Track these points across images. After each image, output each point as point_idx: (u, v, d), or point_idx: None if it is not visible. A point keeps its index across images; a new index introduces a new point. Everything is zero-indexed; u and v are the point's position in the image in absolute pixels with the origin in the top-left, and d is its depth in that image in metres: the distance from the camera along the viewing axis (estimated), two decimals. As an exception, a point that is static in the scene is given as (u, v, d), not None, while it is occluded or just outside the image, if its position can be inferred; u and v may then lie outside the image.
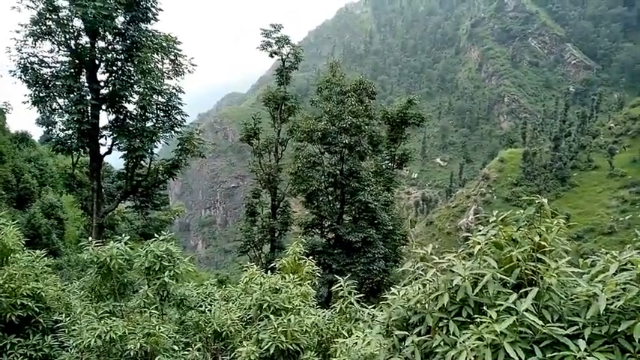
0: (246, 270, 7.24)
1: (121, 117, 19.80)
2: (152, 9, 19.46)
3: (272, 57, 31.40)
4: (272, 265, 7.26)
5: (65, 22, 18.61)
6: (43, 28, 18.68)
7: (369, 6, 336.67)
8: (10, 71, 19.11)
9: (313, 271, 6.93)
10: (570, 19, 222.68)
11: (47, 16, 18.47)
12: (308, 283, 6.50)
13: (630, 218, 76.07)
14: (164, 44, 19.32)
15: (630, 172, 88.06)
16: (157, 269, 6.23)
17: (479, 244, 3.36)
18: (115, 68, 19.71)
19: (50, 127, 20.82)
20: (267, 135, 31.17)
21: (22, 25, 18.46)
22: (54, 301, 6.50)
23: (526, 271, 3.17)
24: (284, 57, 30.69)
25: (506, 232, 3.44)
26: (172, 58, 19.73)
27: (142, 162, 20.88)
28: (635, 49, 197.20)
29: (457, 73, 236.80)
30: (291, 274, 6.61)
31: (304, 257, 6.87)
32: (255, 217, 29.98)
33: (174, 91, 19.93)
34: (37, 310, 6.15)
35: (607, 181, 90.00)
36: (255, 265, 7.65)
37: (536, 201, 3.41)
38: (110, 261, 6.21)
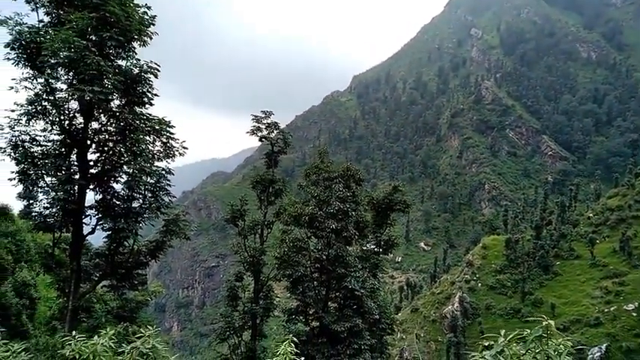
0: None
1: (108, 197, 19.65)
2: (148, 94, 20.01)
3: (261, 141, 32.18)
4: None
5: (61, 103, 19.00)
6: (39, 108, 18.98)
7: (354, 94, 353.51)
8: (0, 148, 19.15)
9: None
10: (545, 113, 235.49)
11: (44, 97, 18.88)
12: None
13: (615, 310, 75.44)
14: (157, 127, 19.68)
15: (611, 263, 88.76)
16: (141, 369, 5.88)
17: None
18: (106, 149, 19.89)
19: (31, 202, 20.51)
20: (253, 217, 31.05)
21: (17, 105, 18.77)
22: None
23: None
24: (273, 142, 31.46)
25: (515, 354, 3.35)
26: (164, 140, 20.03)
27: (125, 243, 20.45)
28: (607, 143, 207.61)
29: (438, 160, 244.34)
30: (281, 378, 6.26)
31: (295, 357, 6.56)
32: (236, 302, 28.99)
33: (163, 172, 20.04)
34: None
35: (590, 271, 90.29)
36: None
37: (543, 322, 3.37)
38: (93, 358, 5.86)
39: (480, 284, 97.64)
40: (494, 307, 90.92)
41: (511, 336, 3.40)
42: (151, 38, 20.16)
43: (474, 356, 3.36)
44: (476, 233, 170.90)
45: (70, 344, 6.12)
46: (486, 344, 3.58)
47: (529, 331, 3.35)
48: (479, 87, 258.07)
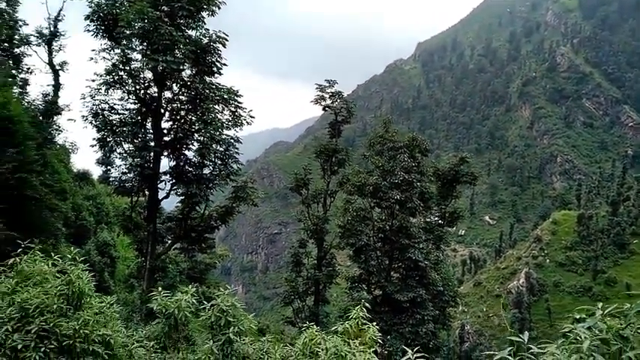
0: (300, 327, 7.08)
1: (181, 164, 20.56)
2: (217, 64, 20.44)
3: (325, 110, 32.14)
4: (333, 328, 7.04)
5: (136, 73, 19.88)
6: (116, 77, 19.95)
7: (418, 62, 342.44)
8: (83, 116, 20.43)
9: (376, 337, 6.70)
10: (627, 81, 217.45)
11: (120, 67, 19.80)
12: (372, 351, 6.27)
13: (699, 293, 70.26)
14: (226, 96, 20.15)
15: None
16: (221, 324, 6.22)
17: (583, 338, 3.11)
18: (178, 117, 20.71)
19: (109, 167, 21.88)
20: (317, 186, 31.36)
21: (96, 75, 19.82)
22: (120, 348, 6.55)
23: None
24: (337, 111, 31.31)
25: (612, 327, 3.19)
26: (233, 109, 20.51)
27: (196, 207, 21.41)
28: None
29: (507, 131, 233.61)
30: (354, 340, 6.41)
31: (367, 322, 6.67)
32: (300, 268, 29.73)
33: (232, 140, 20.59)
34: (106, 357, 6.19)
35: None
36: (308, 322, 7.47)
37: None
38: (178, 313, 6.28)
39: (548, 260, 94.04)
40: (563, 284, 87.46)
41: (609, 309, 3.24)
42: (219, 8, 20.44)
43: (566, 327, 3.24)
44: (545, 208, 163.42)
45: (156, 299, 6.57)
46: (577, 317, 3.43)
47: (629, 305, 3.17)
48: (553, 53, 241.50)
